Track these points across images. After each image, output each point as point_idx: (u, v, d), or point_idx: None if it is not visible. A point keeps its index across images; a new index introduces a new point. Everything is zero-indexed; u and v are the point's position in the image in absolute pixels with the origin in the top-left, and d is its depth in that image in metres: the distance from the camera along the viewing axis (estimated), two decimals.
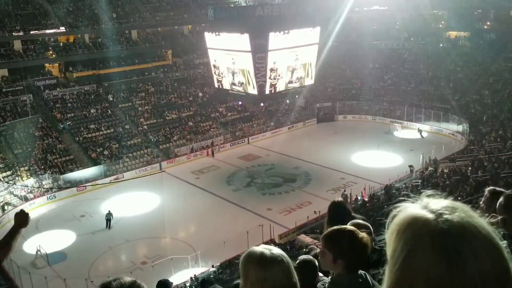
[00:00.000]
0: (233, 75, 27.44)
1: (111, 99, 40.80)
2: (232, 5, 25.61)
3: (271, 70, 25.81)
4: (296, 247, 21.64)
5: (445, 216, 1.02)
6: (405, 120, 42.53)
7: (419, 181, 26.17)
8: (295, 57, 27.01)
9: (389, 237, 1.08)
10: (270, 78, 25.93)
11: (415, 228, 1.04)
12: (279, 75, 26.54)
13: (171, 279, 18.86)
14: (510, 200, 2.88)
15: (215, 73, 29.13)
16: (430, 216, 1.04)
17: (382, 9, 51.75)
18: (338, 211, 3.73)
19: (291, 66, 27.20)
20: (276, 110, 45.03)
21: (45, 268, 22.25)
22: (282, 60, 26.33)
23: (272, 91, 27.03)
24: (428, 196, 1.13)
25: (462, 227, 1.00)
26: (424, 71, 47.05)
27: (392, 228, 1.07)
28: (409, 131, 40.67)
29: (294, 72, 27.72)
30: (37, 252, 23.02)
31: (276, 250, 1.79)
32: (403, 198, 1.16)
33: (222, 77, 28.39)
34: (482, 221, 1.03)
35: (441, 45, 49.00)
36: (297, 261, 3.30)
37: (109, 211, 26.09)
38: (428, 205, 1.07)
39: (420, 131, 39.46)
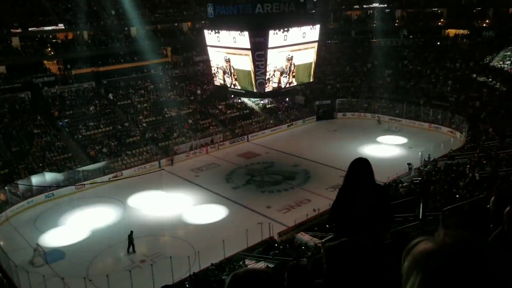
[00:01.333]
0: (233, 72, 27.35)
1: (111, 97, 40.67)
2: (232, 2, 25.49)
3: (271, 68, 25.72)
4: (295, 245, 21.66)
5: (459, 250, 1.05)
6: (404, 117, 42.53)
7: (419, 178, 26.11)
8: (294, 55, 26.91)
9: (406, 269, 1.11)
10: (270, 75, 25.84)
11: (432, 261, 1.06)
12: (279, 73, 26.45)
13: (170, 279, 18.90)
14: None
15: (214, 70, 29.02)
16: (446, 249, 1.06)
17: (381, 7, 51.63)
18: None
19: (290, 64, 27.11)
20: (277, 108, 45.01)
21: (43, 267, 22.16)
22: (282, 58, 26.24)
23: (272, 89, 26.93)
24: (445, 230, 1.14)
25: (476, 263, 1.02)
26: (423, 68, 47.00)
27: (409, 260, 1.11)
28: (409, 128, 40.69)
29: (294, 70, 27.62)
30: (35, 251, 22.95)
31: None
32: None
33: (222, 74, 28.30)
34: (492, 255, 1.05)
35: (438, 43, 48.97)
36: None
37: (131, 232, 23.36)
38: (444, 239, 1.09)
39: (378, 118, 42.49)
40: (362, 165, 3.81)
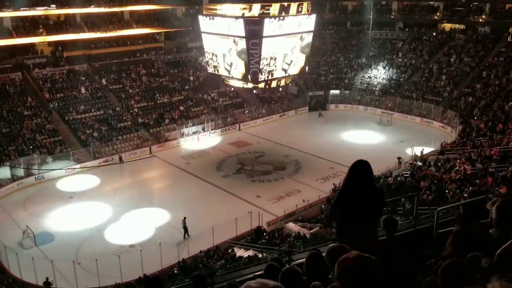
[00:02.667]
0: (227, 59, 27.18)
1: (104, 83, 40.25)
2: None
3: (265, 57, 25.61)
4: (285, 234, 21.79)
5: None
6: (396, 111, 42.70)
7: (408, 172, 26.28)
8: (289, 44, 26.80)
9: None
10: (264, 65, 25.73)
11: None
12: (273, 63, 26.35)
13: (159, 264, 18.98)
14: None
15: (208, 57, 28.84)
16: None
17: None
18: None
19: (285, 53, 27.00)
20: (270, 98, 44.93)
21: (32, 249, 22.16)
22: (276, 47, 26.12)
23: (266, 78, 26.85)
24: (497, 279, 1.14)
25: None
26: (417, 62, 47.11)
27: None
28: (400, 122, 40.92)
29: (288, 60, 27.53)
30: (24, 233, 22.91)
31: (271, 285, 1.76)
32: None
33: (216, 62, 28.13)
34: None
35: (434, 34, 49.02)
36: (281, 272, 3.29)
37: (184, 218, 23.34)
38: None
39: (320, 112, 43.19)
40: (362, 168, 3.90)
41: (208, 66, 29.57)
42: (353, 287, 2.06)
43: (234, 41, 25.74)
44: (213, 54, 28.27)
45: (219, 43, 27.07)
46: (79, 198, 27.87)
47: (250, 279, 1.93)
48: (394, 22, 52.43)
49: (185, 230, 23.06)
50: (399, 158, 30.08)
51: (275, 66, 26.84)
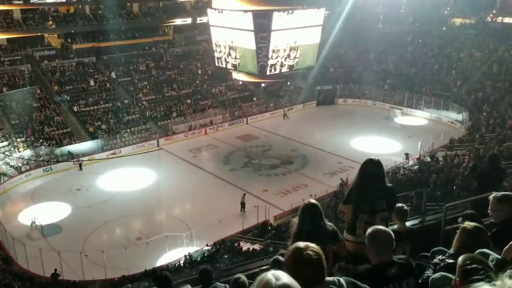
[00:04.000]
0: (235, 52, 27.03)
1: (114, 76, 40.28)
2: None
3: (273, 51, 25.43)
4: (291, 229, 21.74)
5: None
6: (405, 106, 42.38)
7: (416, 167, 26.11)
8: (298, 38, 26.59)
9: None
10: (272, 58, 25.55)
11: None
12: (281, 56, 26.17)
13: (165, 257, 19.03)
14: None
15: (216, 51, 28.69)
16: None
17: None
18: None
19: (294, 47, 26.80)
20: (278, 90, 44.74)
21: (40, 240, 22.33)
22: (285, 41, 25.92)
23: (274, 72, 26.68)
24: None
25: None
26: (427, 57, 46.66)
27: None
28: (409, 117, 40.65)
29: (297, 53, 27.33)
30: (32, 224, 23.10)
31: (283, 280, 1.78)
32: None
33: (224, 55, 28.00)
34: None
35: (444, 28, 48.49)
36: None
37: (244, 194, 25.25)
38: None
39: (285, 113, 41.88)
40: (373, 166, 3.93)
41: (216, 60, 29.43)
42: None
43: (239, 36, 25.60)
44: (221, 47, 28.11)
45: (228, 36, 26.92)
46: (86, 190, 28.01)
47: (257, 273, 1.96)
48: (404, 17, 51.86)
49: (242, 205, 24.66)
50: (406, 154, 29.89)
51: (284, 59, 26.66)
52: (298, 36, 26.38)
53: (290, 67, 27.42)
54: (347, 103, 45.71)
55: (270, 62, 25.55)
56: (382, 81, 46.29)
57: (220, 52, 28.28)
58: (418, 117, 40.72)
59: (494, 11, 45.49)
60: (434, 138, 31.94)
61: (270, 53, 25.28)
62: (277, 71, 26.77)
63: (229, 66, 28.20)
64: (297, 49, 27.06)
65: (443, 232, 5.38)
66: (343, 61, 49.91)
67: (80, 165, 31.12)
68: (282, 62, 26.64)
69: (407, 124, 38.98)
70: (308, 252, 2.17)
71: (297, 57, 27.34)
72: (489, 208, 3.81)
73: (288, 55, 26.59)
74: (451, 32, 47.93)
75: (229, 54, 27.37)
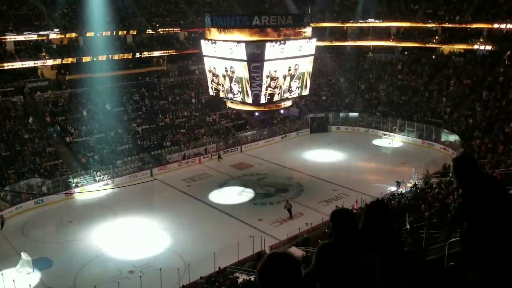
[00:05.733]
0: (229, 82, 27.23)
1: (108, 108, 40.20)
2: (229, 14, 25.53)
3: (271, 78, 25.66)
4: None
5: None
6: (397, 133, 42.68)
7: (411, 195, 26.06)
8: (291, 68, 26.90)
9: None
10: (267, 87, 25.75)
11: None
12: (275, 86, 26.38)
13: None
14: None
15: (211, 81, 28.90)
16: None
17: (377, 22, 51.97)
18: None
19: (287, 76, 27.07)
20: (271, 118, 44.93)
21: (30, 275, 21.74)
22: (278, 70, 26.20)
23: (268, 101, 26.83)
24: None
25: None
26: (417, 84, 47.32)
27: None
28: (401, 144, 40.89)
29: (290, 83, 27.58)
30: (22, 258, 22.50)
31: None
32: None
33: (218, 85, 28.18)
34: None
35: (433, 57, 49.40)
36: None
37: (288, 201, 27.76)
38: None
39: (219, 156, 38.46)
40: (379, 210, 3.45)
41: (210, 89, 29.60)
42: None
43: (232, 65, 25.85)
44: (214, 77, 28.32)
45: (221, 66, 27.17)
46: (78, 222, 27.54)
47: None
48: (394, 46, 52.85)
49: (289, 211, 26.92)
50: (397, 181, 29.81)
51: (277, 88, 26.88)
52: (291, 66, 26.70)
53: (283, 95, 27.62)
54: (340, 131, 45.95)
55: (264, 91, 25.74)
56: (374, 109, 46.73)
57: (213, 82, 28.48)
58: (411, 144, 40.93)
59: (481, 40, 46.45)
60: (427, 164, 32.05)
61: (264, 83, 25.50)
62: (271, 99, 26.95)
63: (222, 95, 28.36)
64: (290, 78, 27.32)
65: (447, 268, 5.22)
66: (335, 89, 50.47)
67: (2, 224, 26.80)
68: (275, 91, 26.85)
69: (399, 151, 39.10)
70: None
71: (290, 86, 27.58)
72: None
73: (282, 84, 26.82)
74: (440, 60, 48.80)
75: (223, 84, 27.56)
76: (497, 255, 3.25)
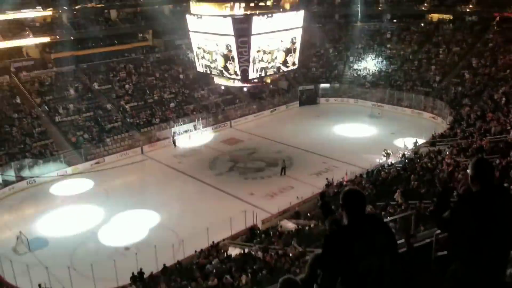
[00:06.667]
0: (216, 58, 27.04)
1: (96, 87, 39.78)
2: None
3: (258, 52, 25.53)
4: (278, 232, 21.81)
5: None
6: (386, 103, 42.85)
7: (400, 165, 26.42)
8: (279, 41, 26.74)
9: None
10: (253, 62, 25.63)
11: None
12: (262, 60, 26.28)
13: (154, 266, 18.93)
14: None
15: (197, 56, 28.67)
16: None
17: None
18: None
19: (275, 50, 26.93)
20: (260, 92, 44.81)
21: (26, 255, 22.03)
22: (266, 44, 26.05)
23: (256, 76, 26.78)
24: None
25: None
26: (406, 53, 47.25)
27: None
28: (391, 114, 41.11)
29: (278, 56, 27.47)
30: (18, 238, 22.74)
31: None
32: None
33: (204, 60, 27.99)
34: None
35: (422, 24, 49.22)
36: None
37: (284, 160, 30.32)
38: None
39: (174, 141, 36.44)
40: (355, 199, 3.26)
41: (197, 65, 29.39)
42: None
43: (219, 40, 25.61)
44: (201, 52, 28.09)
45: (207, 41, 26.93)
46: (71, 201, 27.70)
47: None
48: (382, 14, 52.45)
49: (283, 170, 29.43)
50: (386, 152, 30.07)
51: (266, 62, 26.78)
52: (279, 39, 26.54)
53: (272, 69, 27.56)
54: (330, 102, 46.02)
55: (251, 66, 25.65)
56: (363, 79, 46.73)
57: (200, 57, 28.28)
58: (400, 113, 41.18)
59: (470, 6, 46.25)
60: (416, 134, 32.38)
61: (252, 57, 25.38)
62: (259, 74, 26.89)
63: (209, 71, 28.21)
64: (279, 52, 27.21)
65: (435, 258, 5.20)
66: (324, 60, 50.25)
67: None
68: (263, 65, 26.77)
69: (389, 121, 39.35)
70: None
71: (279, 59, 27.49)
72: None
73: (269, 58, 26.72)
74: (429, 28, 48.63)
75: (210, 60, 27.38)
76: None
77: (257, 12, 24.77)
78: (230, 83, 28.33)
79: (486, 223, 3.13)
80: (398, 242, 3.38)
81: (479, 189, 3.30)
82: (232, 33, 24.48)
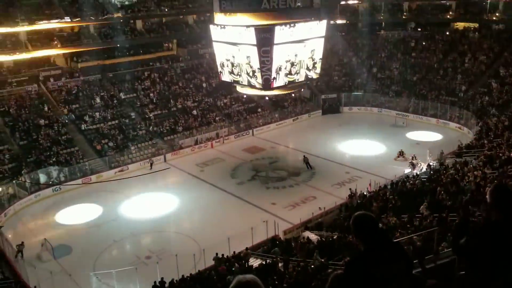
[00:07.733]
0: (239, 67, 27.11)
1: (122, 97, 40.45)
2: None
3: (291, 64, 25.53)
4: (300, 242, 21.54)
5: None
6: (410, 112, 42.20)
7: (426, 176, 25.89)
8: (301, 50, 26.65)
9: None
10: (278, 71, 25.59)
11: None
12: (286, 69, 26.22)
13: (175, 275, 18.93)
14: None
15: (220, 66, 28.79)
16: None
17: None
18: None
19: (297, 59, 26.84)
20: (283, 102, 44.72)
21: (50, 262, 22.35)
22: (288, 54, 25.99)
23: (278, 85, 26.70)
24: None
25: None
26: (431, 61, 46.53)
27: None
28: (416, 124, 40.44)
29: (301, 65, 27.37)
30: (42, 245, 23.15)
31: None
32: None
33: (227, 69, 28.10)
34: None
35: (447, 33, 48.46)
36: None
37: (304, 156, 32.12)
38: None
39: (151, 163, 34.17)
40: (365, 224, 3.08)
41: (220, 74, 29.52)
42: None
43: (242, 50, 25.68)
44: (224, 62, 28.21)
45: (231, 51, 27.03)
46: (96, 209, 28.06)
47: None
48: (406, 23, 51.90)
49: (308, 164, 31.47)
50: (411, 163, 29.47)
51: (289, 71, 26.71)
52: (301, 49, 26.44)
53: (295, 79, 27.44)
54: (353, 111, 45.61)
55: (274, 75, 25.59)
56: (387, 88, 46.19)
57: (223, 66, 28.38)
58: (425, 123, 40.47)
59: (497, 14, 45.37)
60: (442, 144, 31.74)
61: (274, 67, 25.33)
62: (282, 83, 26.80)
63: (232, 80, 28.26)
64: (301, 61, 27.09)
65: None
66: (347, 69, 49.92)
67: (151, 164, 33.80)
68: (286, 75, 26.69)
69: (414, 131, 38.71)
70: None
71: (302, 69, 27.37)
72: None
73: (292, 68, 26.64)
74: (454, 36, 47.84)
75: (233, 69, 27.46)
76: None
77: (280, 22, 24.73)
78: (252, 91, 28.33)
79: (505, 257, 2.82)
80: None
81: (499, 219, 3.05)
82: (255, 43, 24.50)
